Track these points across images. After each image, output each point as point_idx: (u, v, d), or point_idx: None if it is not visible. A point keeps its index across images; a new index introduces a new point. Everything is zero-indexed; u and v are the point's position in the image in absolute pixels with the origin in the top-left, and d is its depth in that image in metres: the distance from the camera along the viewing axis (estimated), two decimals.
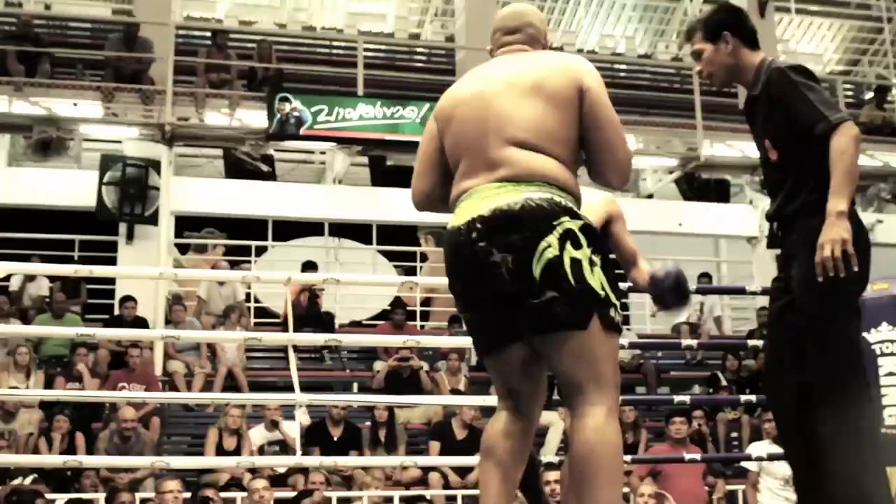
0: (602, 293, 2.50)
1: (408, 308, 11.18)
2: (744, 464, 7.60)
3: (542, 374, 2.70)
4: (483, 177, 2.61)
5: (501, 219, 2.52)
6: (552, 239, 2.47)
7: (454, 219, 2.66)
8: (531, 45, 2.84)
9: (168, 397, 8.80)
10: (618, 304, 2.54)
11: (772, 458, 6.83)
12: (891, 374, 5.60)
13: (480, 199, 2.58)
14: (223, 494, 6.77)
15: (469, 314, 2.73)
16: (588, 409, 2.46)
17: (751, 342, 7.29)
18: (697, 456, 6.69)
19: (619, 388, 2.58)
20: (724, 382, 10.08)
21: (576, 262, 2.47)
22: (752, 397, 6.37)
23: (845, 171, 2.96)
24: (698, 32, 3.30)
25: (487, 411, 9.17)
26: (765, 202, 12.15)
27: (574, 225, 2.51)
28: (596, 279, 2.49)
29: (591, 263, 2.49)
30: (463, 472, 8.16)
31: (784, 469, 7.25)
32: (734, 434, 9.59)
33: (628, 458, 7.10)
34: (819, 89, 3.09)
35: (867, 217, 13.03)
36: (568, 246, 2.47)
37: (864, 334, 5.76)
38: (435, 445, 8.35)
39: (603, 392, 2.48)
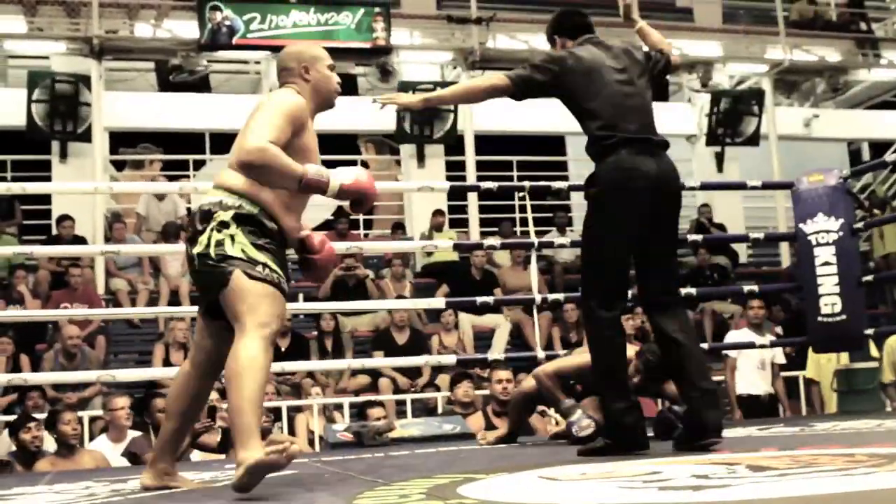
0: (244, 256, 3.09)
1: (351, 217, 11.15)
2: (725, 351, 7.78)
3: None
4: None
5: (189, 219, 3.36)
6: (205, 233, 3.13)
7: None
8: (288, 82, 3.45)
9: (111, 313, 8.72)
10: (268, 261, 3.11)
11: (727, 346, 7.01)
12: (826, 263, 5.72)
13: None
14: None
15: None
16: (240, 339, 3.00)
17: (690, 237, 7.41)
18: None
19: (273, 318, 3.07)
20: None
21: (219, 243, 3.10)
22: (693, 290, 6.50)
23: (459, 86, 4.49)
24: (549, 41, 4.14)
25: (430, 313, 9.30)
26: (704, 100, 12.27)
27: (226, 216, 3.13)
28: (237, 248, 3.09)
29: (233, 239, 3.10)
30: (411, 375, 8.26)
31: (759, 354, 7.55)
32: None
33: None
34: (531, 65, 3.93)
35: (803, 112, 13.19)
36: (214, 233, 3.11)
37: (801, 225, 5.86)
38: (378, 354, 8.43)
39: (251, 325, 3.00)
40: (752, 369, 7.68)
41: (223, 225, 3.12)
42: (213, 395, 6.12)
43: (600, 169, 3.77)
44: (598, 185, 3.77)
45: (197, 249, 3.14)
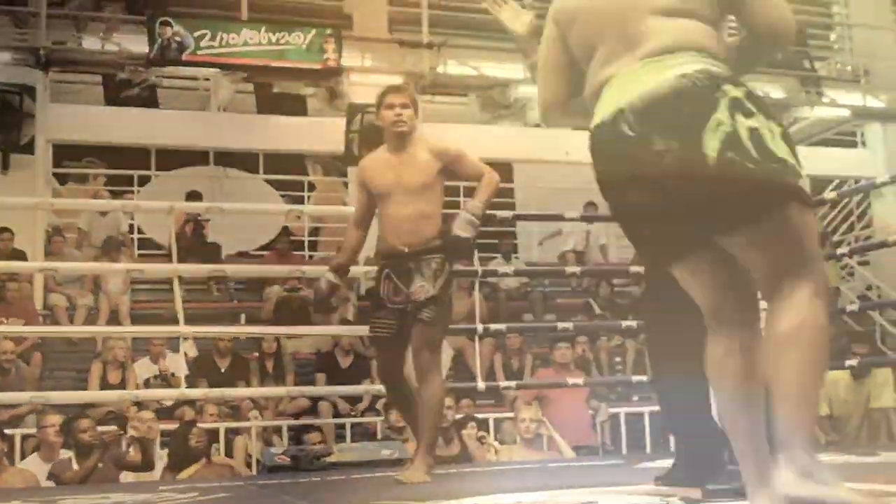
0: (792, 161, 2.07)
1: (295, 238, 11.09)
2: None
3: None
4: (625, 59, 2.23)
5: (654, 104, 2.11)
6: (720, 115, 2.04)
7: (595, 116, 2.30)
8: None
9: (48, 331, 8.58)
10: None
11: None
12: None
13: (623, 84, 2.20)
14: (105, 427, 6.64)
15: (637, 225, 2.29)
16: (808, 298, 2.08)
17: (633, 268, 7.45)
18: (580, 381, 6.86)
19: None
20: (597, 310, 10.32)
21: (754, 133, 2.04)
22: (634, 323, 6.54)
23: None
24: None
25: (372, 339, 9.20)
26: None
27: (739, 93, 2.08)
28: (781, 149, 2.05)
29: (770, 131, 2.06)
30: (352, 400, 8.20)
31: None
32: (618, 359, 9.84)
33: (513, 383, 7.27)
34: None
35: None
36: (740, 116, 2.04)
37: None
38: (321, 377, 8.37)
39: (817, 281, 2.10)
40: None
41: (745, 108, 2.07)
42: (147, 413, 6.03)
43: None
44: None
45: (712, 144, 2.02)
